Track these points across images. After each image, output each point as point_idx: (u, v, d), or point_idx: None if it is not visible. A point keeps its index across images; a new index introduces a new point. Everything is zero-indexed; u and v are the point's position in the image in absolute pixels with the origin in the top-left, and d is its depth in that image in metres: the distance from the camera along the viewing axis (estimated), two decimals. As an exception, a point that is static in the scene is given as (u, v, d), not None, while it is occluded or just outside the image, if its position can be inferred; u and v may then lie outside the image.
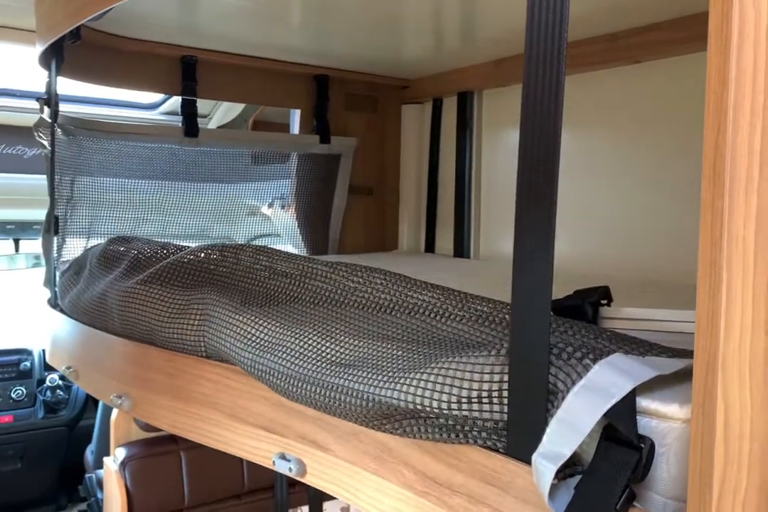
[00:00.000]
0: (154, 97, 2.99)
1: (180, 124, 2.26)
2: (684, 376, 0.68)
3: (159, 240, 1.72)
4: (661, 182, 1.88)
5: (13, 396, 3.38)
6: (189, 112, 2.24)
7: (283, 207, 2.58)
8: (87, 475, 3.04)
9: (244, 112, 2.95)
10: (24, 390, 3.40)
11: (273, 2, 1.72)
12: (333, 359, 0.95)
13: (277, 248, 1.32)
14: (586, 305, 1.01)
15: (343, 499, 0.99)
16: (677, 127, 1.83)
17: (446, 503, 0.82)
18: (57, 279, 1.89)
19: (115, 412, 2.31)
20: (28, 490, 3.49)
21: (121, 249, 1.64)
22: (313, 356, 0.97)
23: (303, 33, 2.02)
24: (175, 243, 1.59)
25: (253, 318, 1.11)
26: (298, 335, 1.02)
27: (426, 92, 2.56)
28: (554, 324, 0.81)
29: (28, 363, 3.47)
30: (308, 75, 2.42)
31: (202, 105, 2.54)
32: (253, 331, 1.09)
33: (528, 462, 0.69)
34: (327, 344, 0.98)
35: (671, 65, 1.84)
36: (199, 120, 2.27)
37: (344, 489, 0.98)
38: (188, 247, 1.47)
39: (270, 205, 2.58)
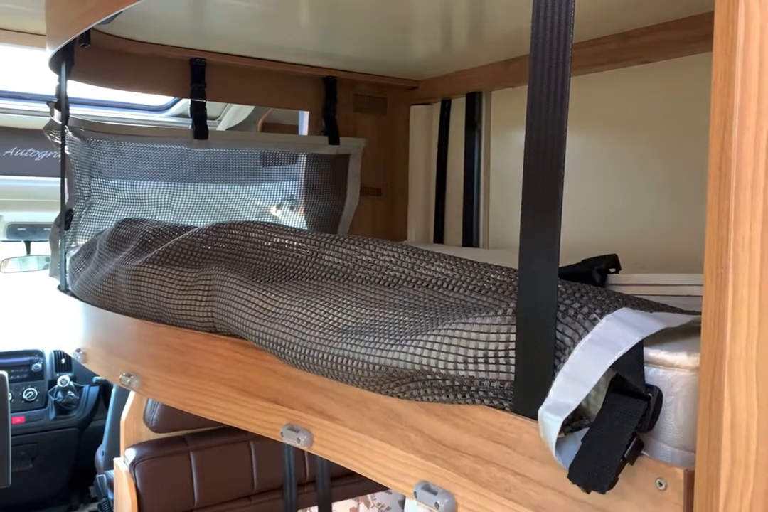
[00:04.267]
0: (164, 99, 3.00)
1: (189, 127, 2.27)
2: (692, 332, 0.68)
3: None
4: (671, 182, 1.87)
5: (24, 397, 3.40)
6: (198, 115, 2.24)
7: (292, 208, 2.58)
8: (98, 476, 3.06)
9: (254, 114, 2.96)
10: (35, 391, 3.43)
11: (281, 4, 1.73)
12: (339, 326, 0.95)
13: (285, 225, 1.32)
14: (594, 272, 1.00)
15: (349, 468, 0.99)
16: (687, 126, 1.83)
17: (453, 465, 0.83)
18: (67, 264, 1.90)
19: (125, 413, 2.32)
20: (40, 490, 3.51)
21: (130, 230, 1.65)
22: (320, 324, 0.98)
23: (311, 35, 2.03)
24: (184, 224, 1.59)
25: (261, 290, 1.12)
26: (305, 305, 1.03)
27: (434, 93, 2.55)
28: (562, 287, 0.80)
29: (39, 365, 3.49)
30: (316, 77, 2.42)
31: (212, 107, 2.55)
32: (260, 303, 1.09)
33: (535, 418, 0.69)
34: (334, 313, 0.98)
35: (681, 65, 1.83)
36: (208, 122, 2.28)
37: (351, 457, 0.98)
38: (197, 226, 1.47)
39: (279, 207, 2.59)
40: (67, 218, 1.99)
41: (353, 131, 2.54)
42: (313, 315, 1.00)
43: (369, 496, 2.52)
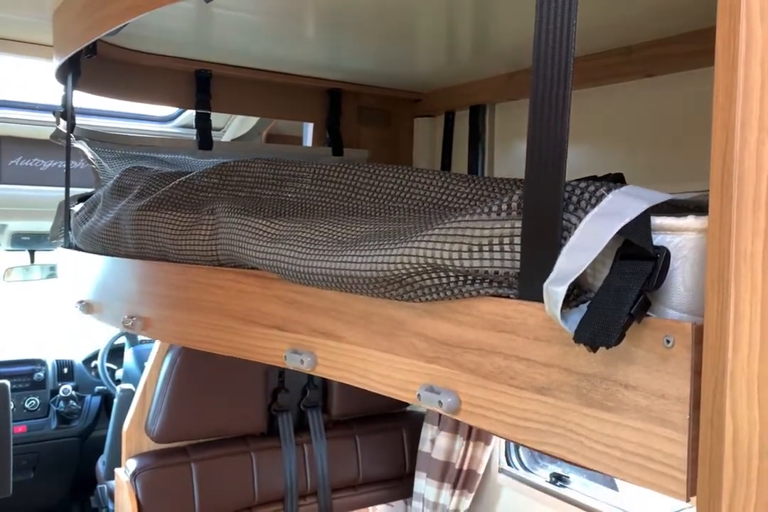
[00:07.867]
0: (169, 110, 3.01)
1: (194, 137, 2.28)
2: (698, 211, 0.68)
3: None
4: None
5: (26, 406, 3.40)
6: (203, 126, 2.25)
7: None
8: (98, 486, 3.04)
9: (258, 125, 2.97)
10: (37, 400, 3.42)
11: (287, 17, 1.74)
12: (343, 239, 0.96)
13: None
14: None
15: (354, 384, 0.99)
16: (689, 140, 1.83)
17: (456, 362, 0.82)
18: (71, 221, 1.89)
19: (127, 423, 2.31)
20: (41, 500, 3.50)
21: (134, 177, 1.65)
22: (324, 239, 0.98)
23: (316, 47, 2.04)
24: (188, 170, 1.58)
25: (266, 217, 1.13)
26: (309, 226, 1.04)
27: (438, 105, 2.56)
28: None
29: (41, 374, 3.49)
30: (321, 89, 2.43)
31: (217, 118, 2.56)
32: (265, 229, 1.10)
33: (540, 300, 0.68)
34: (337, 229, 0.99)
35: (685, 79, 1.83)
36: (213, 133, 2.29)
37: (356, 373, 0.98)
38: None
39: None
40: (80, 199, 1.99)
41: (357, 143, 2.55)
42: (316, 233, 1.01)
43: (371, 508, 2.51)
